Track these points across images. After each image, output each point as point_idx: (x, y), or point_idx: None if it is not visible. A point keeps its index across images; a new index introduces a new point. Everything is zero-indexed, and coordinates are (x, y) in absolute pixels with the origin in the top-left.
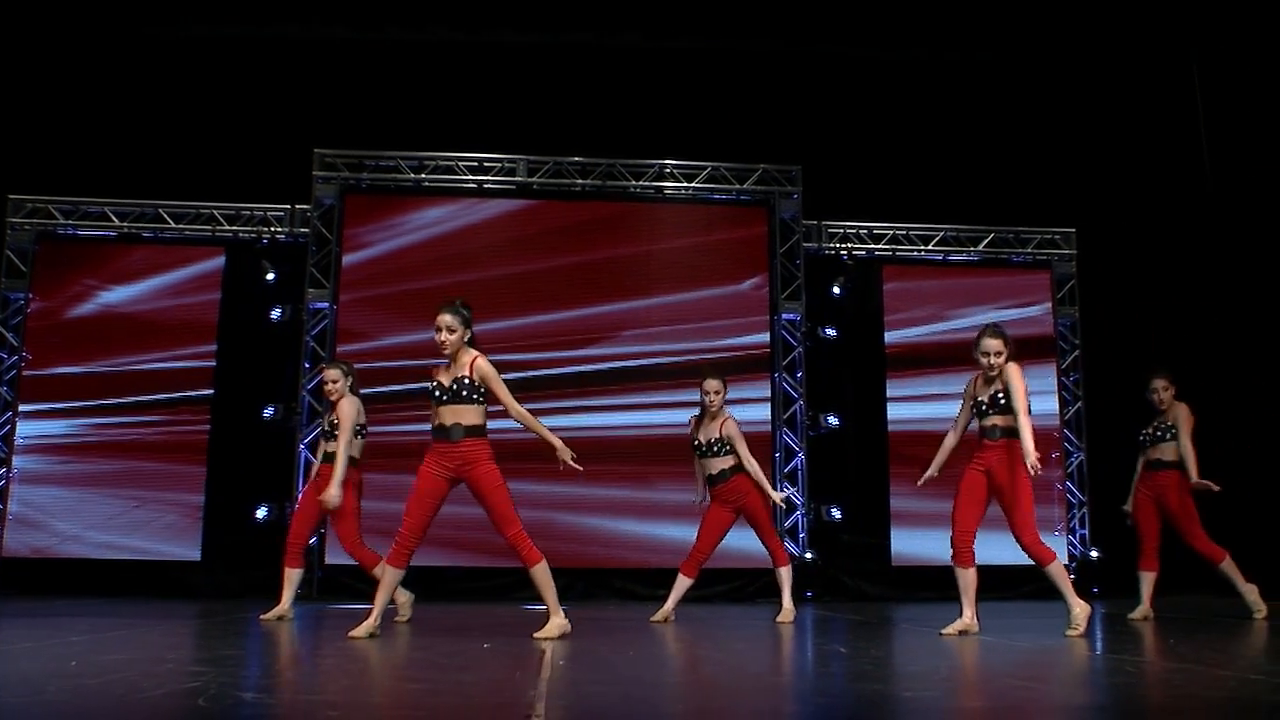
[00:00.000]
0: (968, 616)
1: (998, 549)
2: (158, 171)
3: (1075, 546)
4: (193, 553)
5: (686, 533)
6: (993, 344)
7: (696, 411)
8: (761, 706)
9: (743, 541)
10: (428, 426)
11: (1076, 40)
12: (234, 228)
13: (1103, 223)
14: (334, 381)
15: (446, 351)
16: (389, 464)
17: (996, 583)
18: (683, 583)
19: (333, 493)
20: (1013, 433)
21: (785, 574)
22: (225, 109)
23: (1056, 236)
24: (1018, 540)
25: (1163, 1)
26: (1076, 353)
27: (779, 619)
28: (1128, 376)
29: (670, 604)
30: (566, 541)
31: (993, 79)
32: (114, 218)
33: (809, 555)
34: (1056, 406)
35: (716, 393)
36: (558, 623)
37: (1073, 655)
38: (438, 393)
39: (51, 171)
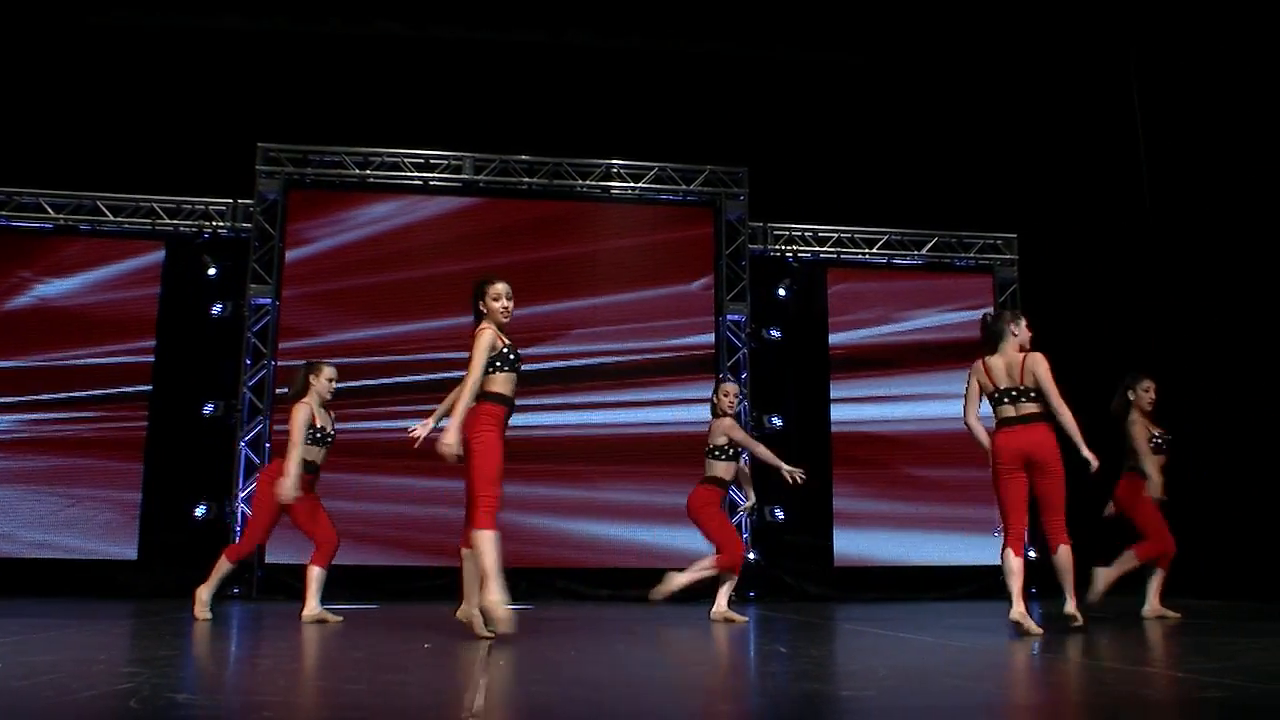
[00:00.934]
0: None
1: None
2: (96, 163)
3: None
4: (129, 551)
5: (631, 532)
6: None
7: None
8: (701, 706)
9: (689, 542)
10: (371, 424)
11: (1018, 49)
12: (174, 222)
13: (1044, 228)
14: (331, 380)
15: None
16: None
17: (936, 584)
18: None
19: (286, 485)
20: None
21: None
22: (167, 100)
23: (999, 241)
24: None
25: (1102, 11)
26: None
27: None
28: (1067, 380)
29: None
30: (510, 541)
31: (938, 86)
32: (50, 209)
33: (752, 556)
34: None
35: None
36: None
37: (1010, 655)
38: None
39: None
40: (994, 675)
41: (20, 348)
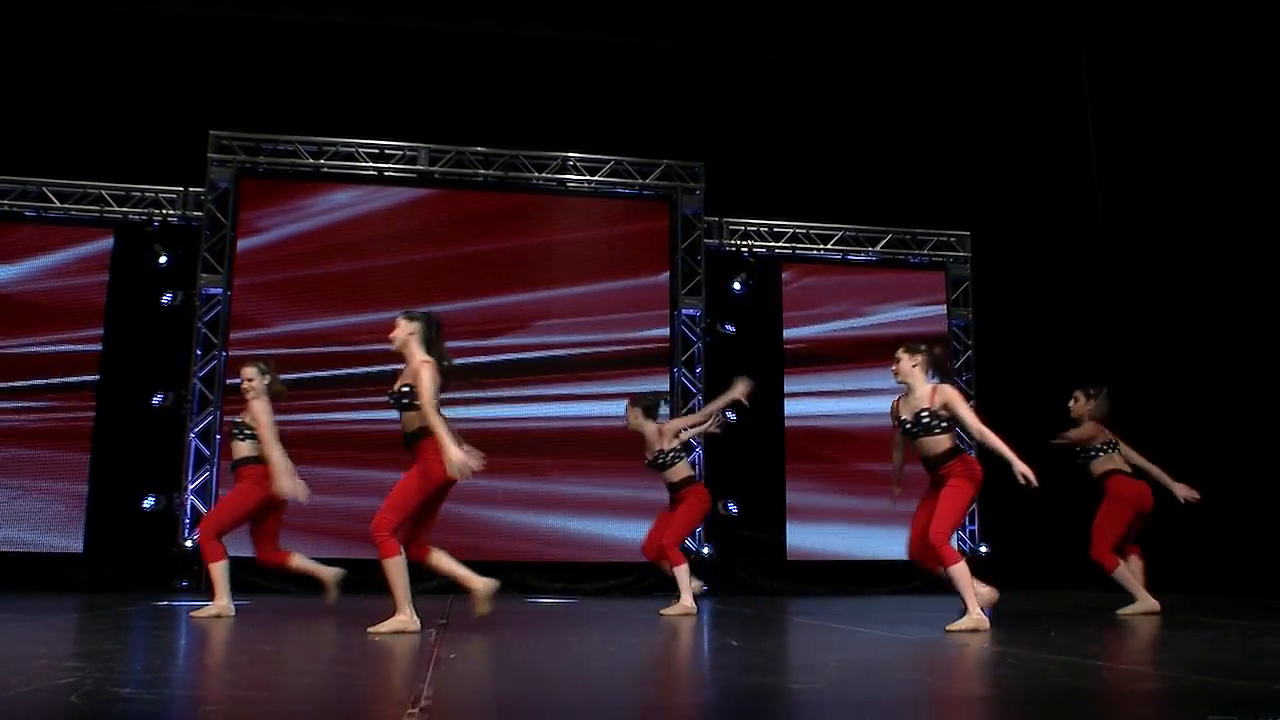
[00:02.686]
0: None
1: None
2: (43, 148)
3: (965, 542)
4: (75, 544)
5: (584, 526)
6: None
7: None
8: (652, 699)
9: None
10: (318, 415)
11: (971, 47)
12: (124, 209)
13: (996, 226)
14: (249, 380)
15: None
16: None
17: (888, 577)
18: None
19: (286, 483)
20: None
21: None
22: (117, 85)
23: (952, 239)
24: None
25: (1053, 10)
26: (969, 353)
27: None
28: (1018, 377)
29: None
30: (464, 534)
31: (892, 83)
32: None
33: (705, 550)
34: None
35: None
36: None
37: (958, 648)
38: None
39: None
40: (943, 668)
41: None
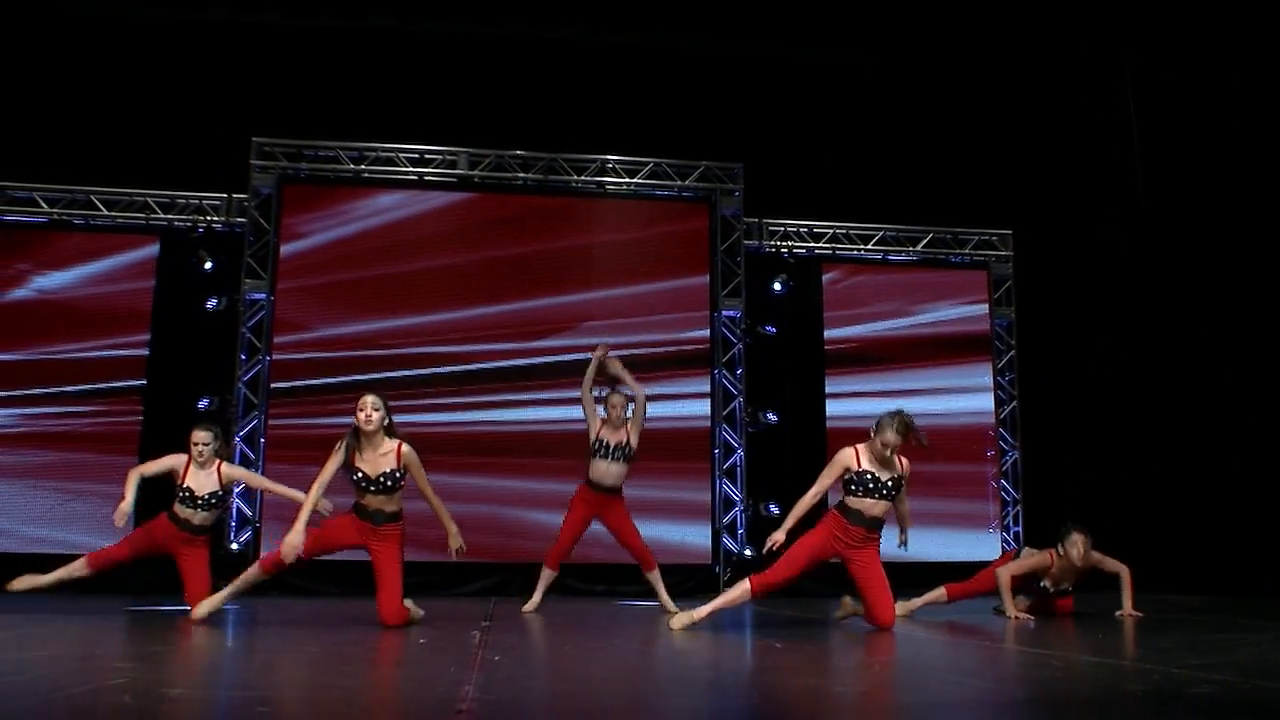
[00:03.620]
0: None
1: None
2: (90, 157)
3: (1009, 544)
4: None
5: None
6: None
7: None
8: (696, 702)
9: (685, 536)
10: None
11: (1013, 46)
12: (169, 216)
13: (1039, 225)
14: (204, 444)
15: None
16: (318, 456)
17: (931, 579)
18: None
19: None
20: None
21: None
22: (161, 94)
23: (994, 238)
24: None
25: (1097, 7)
26: (1012, 353)
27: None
28: (1062, 377)
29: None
30: (507, 536)
31: (931, 81)
32: (44, 203)
33: (748, 551)
34: (992, 405)
35: None
36: None
37: (1003, 652)
38: None
39: None
40: (987, 671)
41: (17, 341)
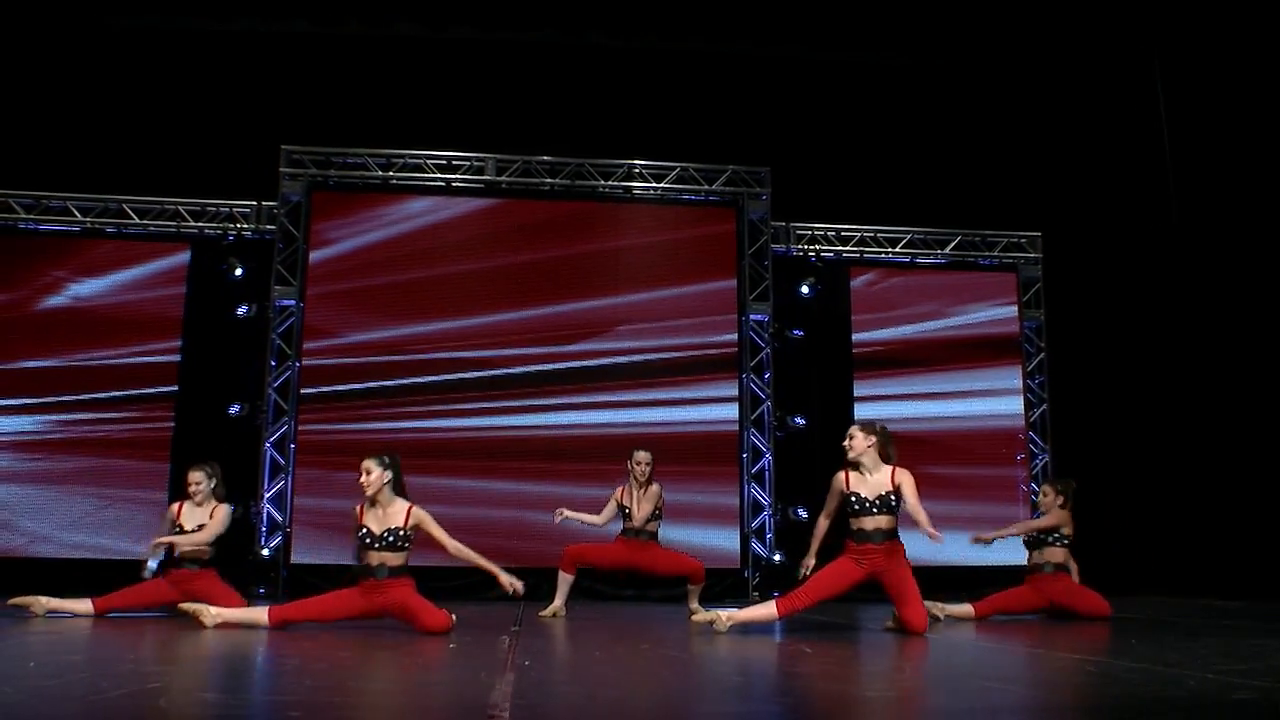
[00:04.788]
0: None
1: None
2: (121, 166)
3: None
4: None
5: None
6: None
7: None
8: (727, 707)
9: (715, 541)
10: (389, 425)
11: (1042, 49)
12: (199, 224)
13: (1068, 226)
14: (197, 484)
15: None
16: (348, 462)
17: (962, 583)
18: None
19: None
20: (894, 535)
21: None
22: (190, 104)
23: (1022, 240)
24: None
25: (1125, 8)
26: (1042, 355)
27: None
28: (1093, 379)
29: None
30: (534, 540)
31: (959, 84)
32: (76, 212)
33: (777, 556)
34: (1022, 408)
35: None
36: None
37: (1036, 656)
38: None
39: (11, 165)
40: (1023, 677)
41: (53, 347)
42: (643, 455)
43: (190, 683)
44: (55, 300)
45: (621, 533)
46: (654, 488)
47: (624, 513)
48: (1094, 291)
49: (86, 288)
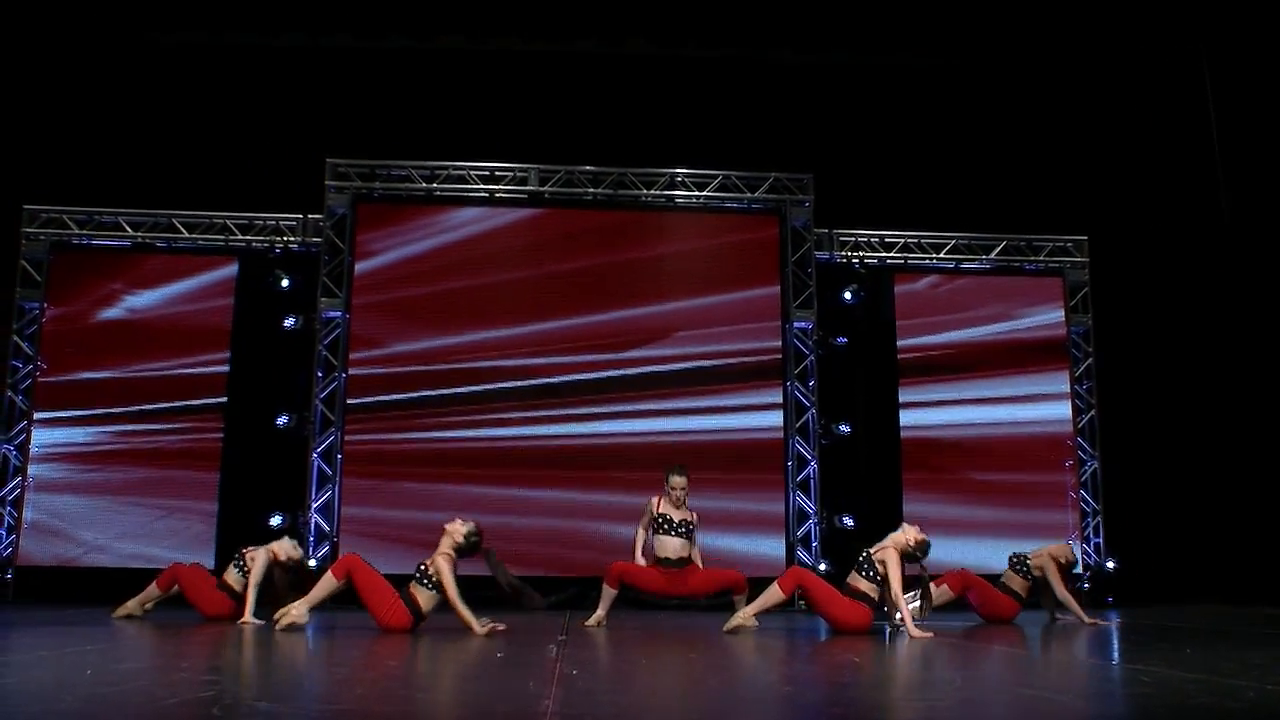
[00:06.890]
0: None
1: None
2: (170, 181)
3: (1090, 555)
4: (207, 560)
5: (701, 540)
6: None
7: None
8: (777, 717)
9: (759, 549)
10: (435, 434)
11: (1087, 49)
12: (247, 237)
13: (1115, 230)
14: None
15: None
16: (394, 471)
17: None
18: None
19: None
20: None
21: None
22: (237, 119)
23: (1069, 244)
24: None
25: (1173, 10)
26: (1089, 360)
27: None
28: (1142, 384)
29: None
30: (581, 549)
31: (1004, 88)
32: (128, 227)
33: (823, 565)
34: (1070, 413)
35: None
36: None
37: (1089, 666)
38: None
39: (65, 181)
40: (1075, 687)
41: (107, 359)
42: (678, 480)
43: (242, 690)
44: (110, 312)
45: (658, 561)
46: (691, 516)
47: (660, 524)
48: (1142, 295)
49: (141, 300)
